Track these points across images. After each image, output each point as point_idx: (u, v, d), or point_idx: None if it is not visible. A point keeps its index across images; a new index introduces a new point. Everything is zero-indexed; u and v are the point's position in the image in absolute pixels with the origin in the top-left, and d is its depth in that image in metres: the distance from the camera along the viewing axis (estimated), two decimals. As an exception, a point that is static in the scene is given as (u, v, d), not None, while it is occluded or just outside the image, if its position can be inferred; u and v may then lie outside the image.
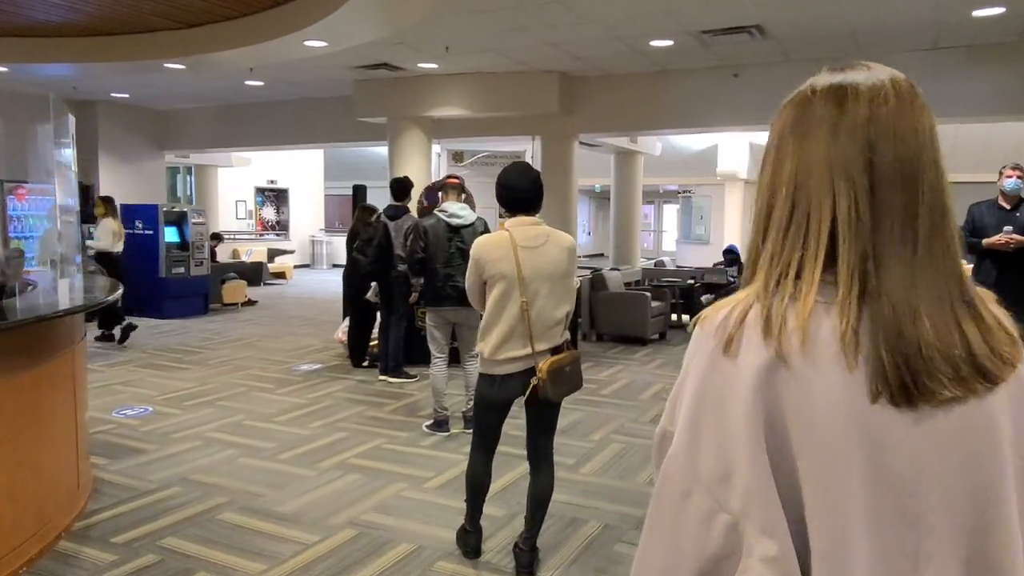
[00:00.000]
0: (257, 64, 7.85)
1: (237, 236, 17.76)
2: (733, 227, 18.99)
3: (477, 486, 3.38)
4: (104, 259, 8.78)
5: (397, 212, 6.78)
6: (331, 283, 16.48)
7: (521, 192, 3.20)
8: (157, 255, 10.88)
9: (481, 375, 3.24)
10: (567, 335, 3.27)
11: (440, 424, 5.35)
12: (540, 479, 3.28)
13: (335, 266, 20.37)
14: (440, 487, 4.34)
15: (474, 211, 5.67)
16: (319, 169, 20.95)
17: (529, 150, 9.33)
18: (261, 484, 4.34)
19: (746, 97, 8.04)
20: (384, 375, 7.06)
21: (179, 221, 11.23)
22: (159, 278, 10.90)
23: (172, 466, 4.64)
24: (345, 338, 7.90)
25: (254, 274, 15.83)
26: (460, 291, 5.09)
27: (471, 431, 5.20)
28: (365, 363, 7.63)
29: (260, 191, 19.51)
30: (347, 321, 8.07)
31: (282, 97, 10.73)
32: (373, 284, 6.97)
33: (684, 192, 21.83)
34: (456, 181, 5.25)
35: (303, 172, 20.35)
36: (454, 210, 5.18)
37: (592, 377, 7.19)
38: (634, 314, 9.13)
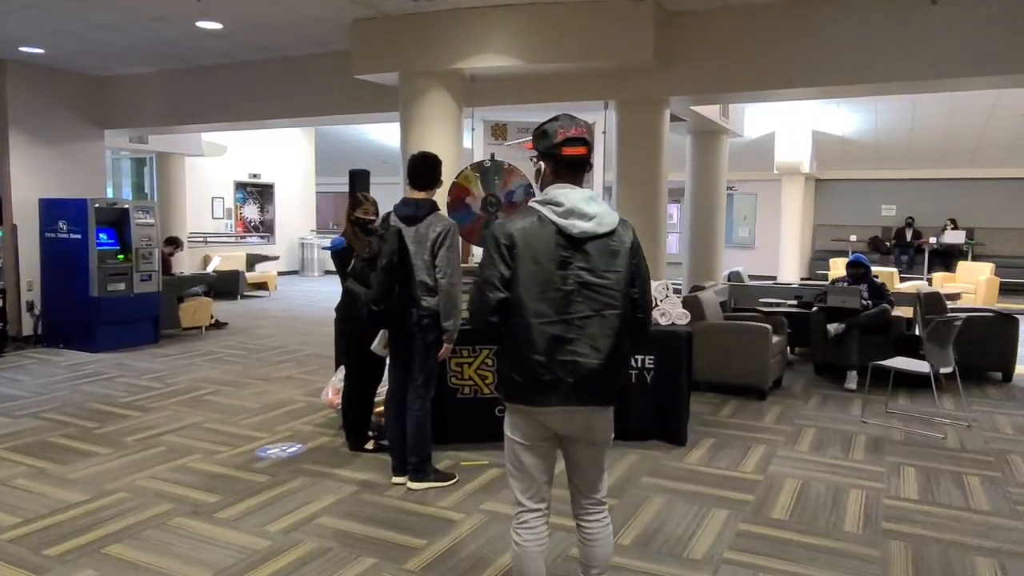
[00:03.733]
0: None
1: (211, 240, 15.01)
2: (792, 228, 16.27)
3: None
4: None
5: (418, 210, 4.07)
6: (322, 295, 13.75)
7: None
8: (86, 267, 8.13)
9: None
10: None
11: (533, 644, 2.60)
12: None
13: (327, 272, 17.70)
14: None
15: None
16: (309, 162, 18.27)
17: (600, 122, 6.61)
18: None
19: (948, 36, 5.32)
20: (398, 476, 4.33)
21: (119, 222, 8.49)
22: (90, 298, 8.15)
23: None
24: (338, 400, 5.19)
25: (229, 285, 13.14)
26: (584, 372, 2.40)
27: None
28: (369, 445, 4.91)
29: (241, 186, 16.80)
30: (341, 373, 5.36)
31: (252, 55, 7.99)
32: (382, 332, 4.25)
33: (727, 189, 19.11)
34: (580, 151, 2.46)
35: (291, 165, 17.68)
36: (574, 202, 2.43)
37: (723, 472, 4.49)
38: (751, 355, 6.43)
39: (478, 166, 5.29)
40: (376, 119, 7.98)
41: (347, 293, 4.03)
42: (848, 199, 18.06)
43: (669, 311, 5.40)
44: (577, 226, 2.40)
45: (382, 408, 5.14)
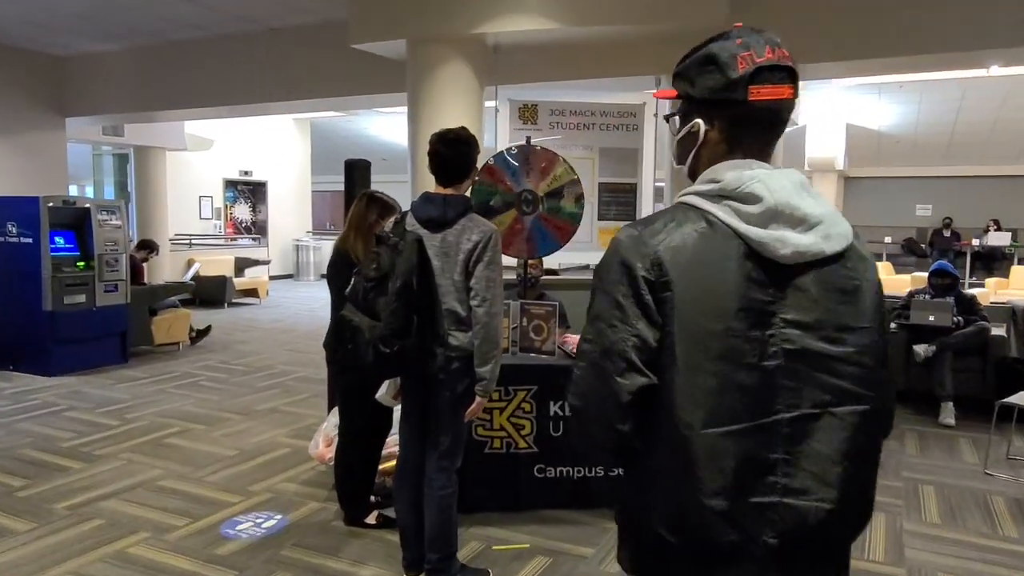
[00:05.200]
0: None
1: (196, 242, 13.83)
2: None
3: None
4: None
5: (446, 211, 2.90)
6: (317, 302, 12.58)
7: None
8: (39, 276, 6.95)
9: None
10: None
11: None
12: None
13: (323, 276, 16.49)
14: None
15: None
16: (305, 159, 17.10)
17: (651, 103, 5.44)
18: None
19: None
20: (412, 574, 3.15)
21: (78, 224, 7.32)
22: (43, 312, 6.98)
23: None
24: (331, 455, 4.03)
25: (215, 293, 11.99)
26: (801, 526, 1.22)
27: None
28: (371, 518, 3.74)
29: (231, 184, 15.64)
30: (334, 418, 4.20)
31: (232, 27, 6.82)
32: (390, 380, 3.08)
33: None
34: (785, 91, 1.26)
35: (284, 162, 16.54)
36: (781, 194, 1.24)
37: (851, 561, 3.32)
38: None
39: (495, 202, 4.25)
40: (379, 102, 6.84)
41: (343, 325, 2.87)
42: (880, 198, 16.95)
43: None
44: (788, 242, 1.23)
45: (391, 464, 4.01)
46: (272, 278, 14.86)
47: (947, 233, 15.84)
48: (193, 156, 13.89)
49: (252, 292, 12.89)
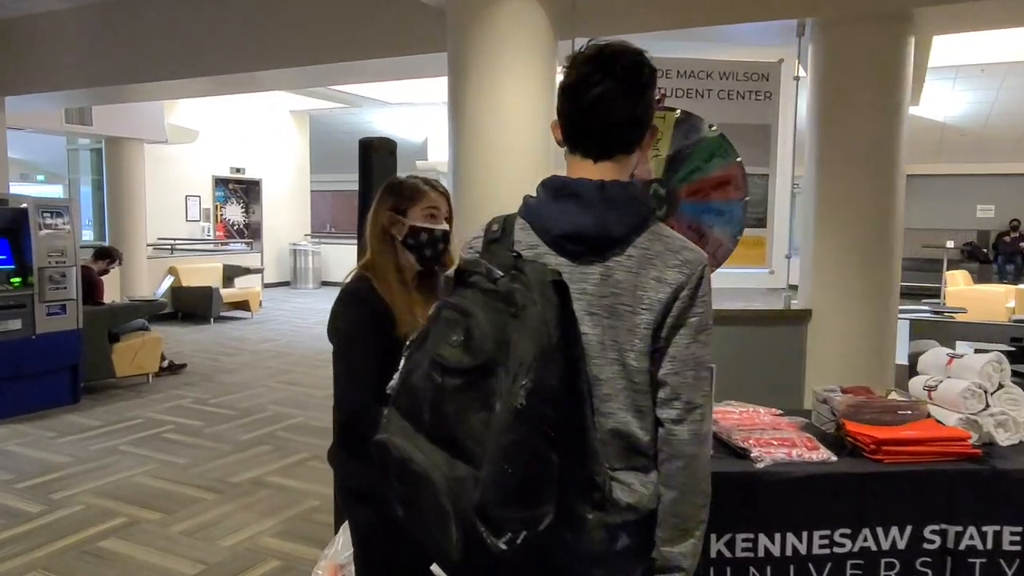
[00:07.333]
0: None
1: (179, 247, 12.26)
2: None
3: None
4: None
5: (606, 222, 1.30)
6: (316, 315, 11.01)
7: None
8: (-42, 297, 5.40)
9: None
10: None
11: None
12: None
13: (324, 284, 14.97)
14: None
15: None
16: (303, 156, 15.64)
17: (790, 60, 3.89)
18: None
19: None
20: None
21: (14, 228, 5.76)
22: (-37, 343, 5.42)
23: None
24: (342, 608, 2.47)
25: (199, 306, 10.47)
26: None
27: None
28: None
29: (221, 183, 14.14)
30: (342, 537, 2.64)
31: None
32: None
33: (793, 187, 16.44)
34: None
35: (281, 159, 15.11)
36: None
37: None
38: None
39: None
40: (405, 69, 5.28)
41: (388, 465, 1.31)
42: (935, 198, 15.37)
43: (1011, 416, 2.64)
44: None
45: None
46: (266, 286, 13.33)
47: (1014, 236, 14.32)
48: (177, 151, 12.36)
49: (242, 305, 11.30)
